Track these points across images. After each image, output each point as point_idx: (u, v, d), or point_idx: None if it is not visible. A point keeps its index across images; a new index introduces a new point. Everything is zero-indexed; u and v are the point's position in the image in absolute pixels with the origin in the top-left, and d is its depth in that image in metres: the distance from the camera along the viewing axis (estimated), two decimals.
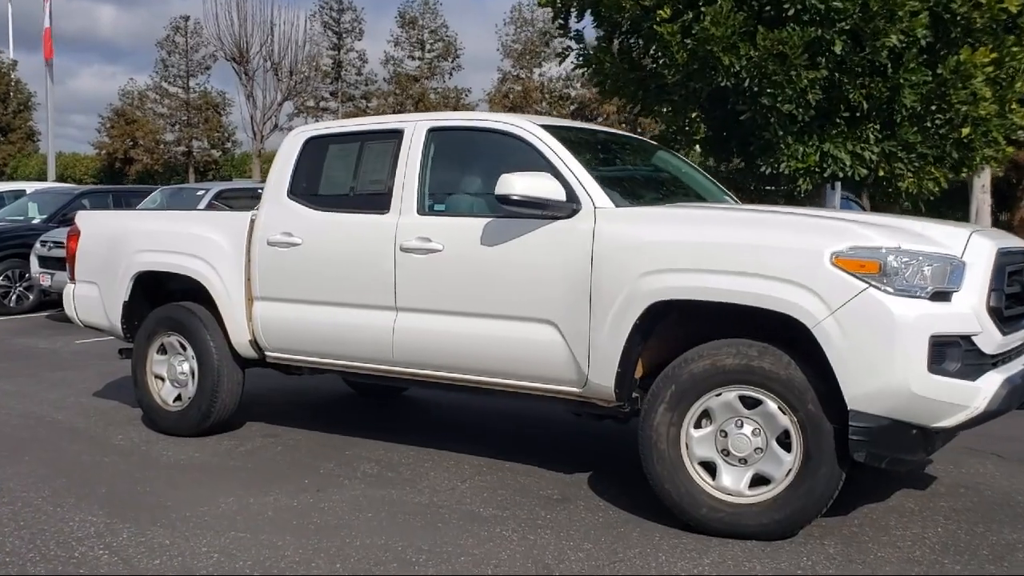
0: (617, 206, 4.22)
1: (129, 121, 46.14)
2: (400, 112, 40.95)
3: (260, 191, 13.68)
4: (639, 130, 23.36)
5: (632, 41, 8.09)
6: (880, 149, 7.15)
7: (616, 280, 4.00)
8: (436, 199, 4.78)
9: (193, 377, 5.59)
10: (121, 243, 5.86)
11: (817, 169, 7.25)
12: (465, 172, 4.91)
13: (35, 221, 13.25)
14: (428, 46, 41.07)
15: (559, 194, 4.20)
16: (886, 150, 7.18)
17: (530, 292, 4.28)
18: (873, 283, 3.54)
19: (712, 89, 7.23)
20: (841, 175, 7.25)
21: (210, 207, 12.19)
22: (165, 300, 5.97)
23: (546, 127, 4.58)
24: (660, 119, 7.94)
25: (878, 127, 7.20)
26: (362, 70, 42.41)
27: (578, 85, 38.90)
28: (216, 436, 5.65)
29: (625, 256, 3.98)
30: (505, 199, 4.15)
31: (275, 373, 5.83)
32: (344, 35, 42.21)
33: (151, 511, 4.25)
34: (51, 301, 12.47)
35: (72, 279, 6.23)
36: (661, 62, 7.32)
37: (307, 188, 5.28)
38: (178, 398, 5.70)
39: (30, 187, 15.90)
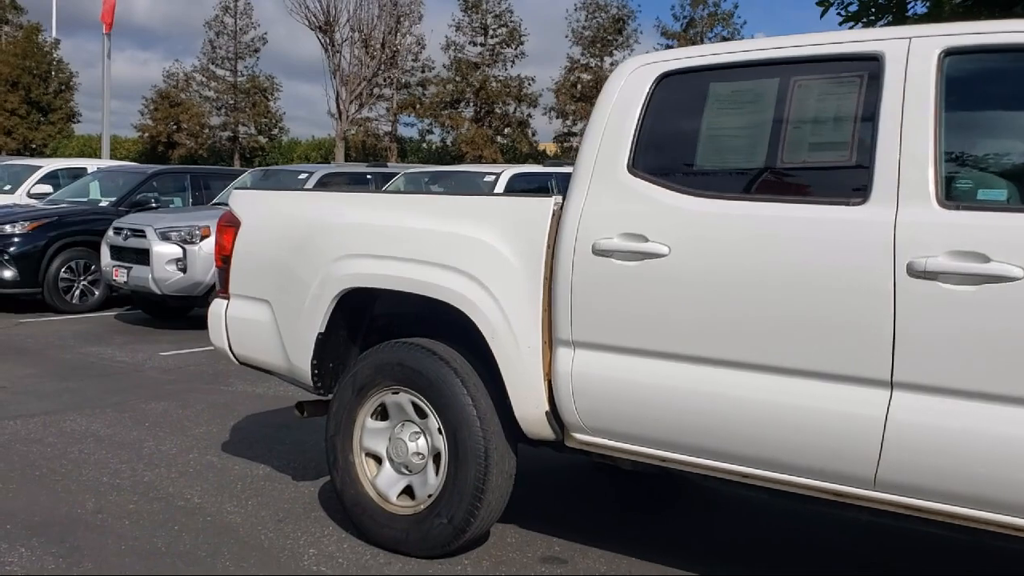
0: None
1: (173, 104, 44.46)
2: (461, 100, 38.78)
3: (369, 176, 11.69)
4: None
5: None
6: None
7: None
8: (975, 180, 2.59)
9: (438, 463, 3.44)
10: (315, 242, 3.72)
11: None
12: None
13: (102, 204, 11.23)
14: (491, 32, 38.82)
15: None
16: None
17: None
18: None
19: None
20: None
21: None
22: (369, 334, 3.86)
23: None
24: None
25: None
26: (419, 55, 40.23)
27: None
28: (468, 557, 3.50)
29: None
30: None
31: None
32: (402, 19, 40.03)
33: None
34: (120, 297, 10.47)
35: (224, 292, 4.10)
36: None
37: (670, 158, 3.11)
38: (408, 492, 3.55)
39: (92, 165, 13.85)
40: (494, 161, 33.46)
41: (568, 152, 36.54)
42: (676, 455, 2.99)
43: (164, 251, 9.02)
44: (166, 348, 8.28)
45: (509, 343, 3.22)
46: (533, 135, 39.31)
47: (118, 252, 9.48)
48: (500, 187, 8.96)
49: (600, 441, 3.16)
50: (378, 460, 3.62)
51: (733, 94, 3.02)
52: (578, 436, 3.22)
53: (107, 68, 21.33)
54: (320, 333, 3.68)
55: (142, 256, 9.13)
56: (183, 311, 10.00)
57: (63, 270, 10.22)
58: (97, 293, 10.48)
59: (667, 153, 3.10)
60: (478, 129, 37.78)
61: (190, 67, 45.26)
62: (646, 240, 2.96)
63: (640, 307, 2.96)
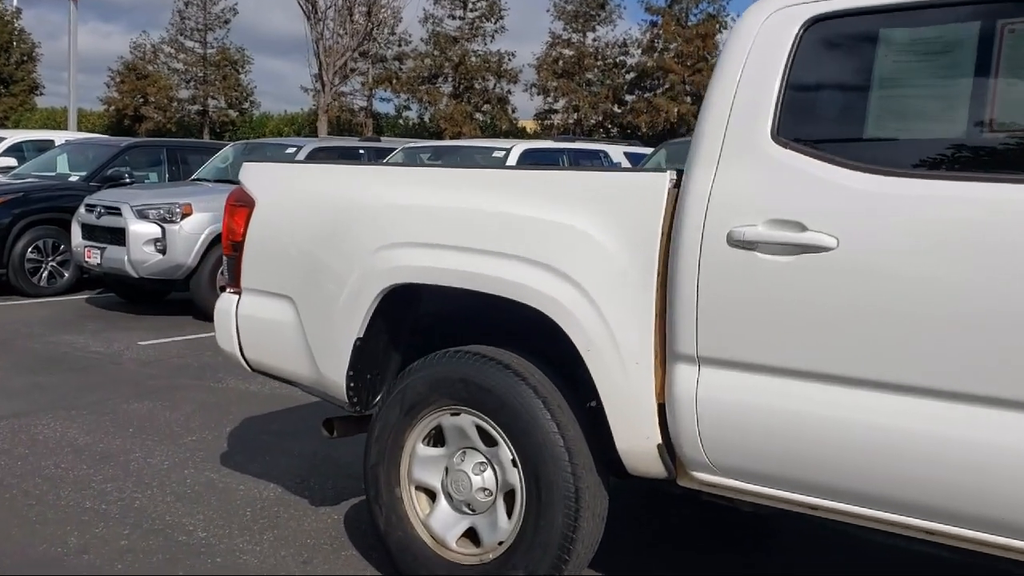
0: None
1: (141, 76, 43.04)
2: (439, 76, 37.80)
3: (361, 152, 10.90)
4: None
5: None
6: None
7: None
8: None
9: (509, 501, 2.77)
10: (351, 227, 3.01)
11: None
12: None
13: (72, 179, 10.40)
14: (470, 5, 37.82)
15: None
16: None
17: None
18: None
19: None
20: None
21: None
22: (411, 338, 3.17)
23: None
24: None
25: None
26: (395, 28, 39.09)
27: (637, 52, 35.85)
28: None
29: None
30: None
31: None
32: None
33: None
34: (91, 279, 9.68)
35: (235, 286, 3.39)
36: None
37: (829, 125, 2.44)
38: (471, 536, 2.88)
39: (59, 137, 12.94)
40: (472, 138, 32.62)
41: (549, 130, 35.72)
42: (837, 504, 2.34)
43: (142, 231, 8.24)
44: (144, 336, 7.56)
45: (611, 357, 2.55)
46: (513, 112, 38.48)
47: (91, 231, 8.70)
48: (511, 163, 8.27)
49: (730, 483, 2.50)
50: (431, 495, 2.95)
51: (913, 43, 2.35)
52: (699, 475, 2.55)
53: (74, 36, 20.27)
54: (359, 338, 2.99)
55: (117, 236, 8.36)
56: (160, 295, 9.25)
57: (30, 250, 9.45)
58: (67, 275, 9.74)
59: (825, 118, 2.43)
60: (457, 105, 36.87)
61: (158, 39, 43.82)
62: (804, 229, 2.29)
63: (796, 315, 2.29)
